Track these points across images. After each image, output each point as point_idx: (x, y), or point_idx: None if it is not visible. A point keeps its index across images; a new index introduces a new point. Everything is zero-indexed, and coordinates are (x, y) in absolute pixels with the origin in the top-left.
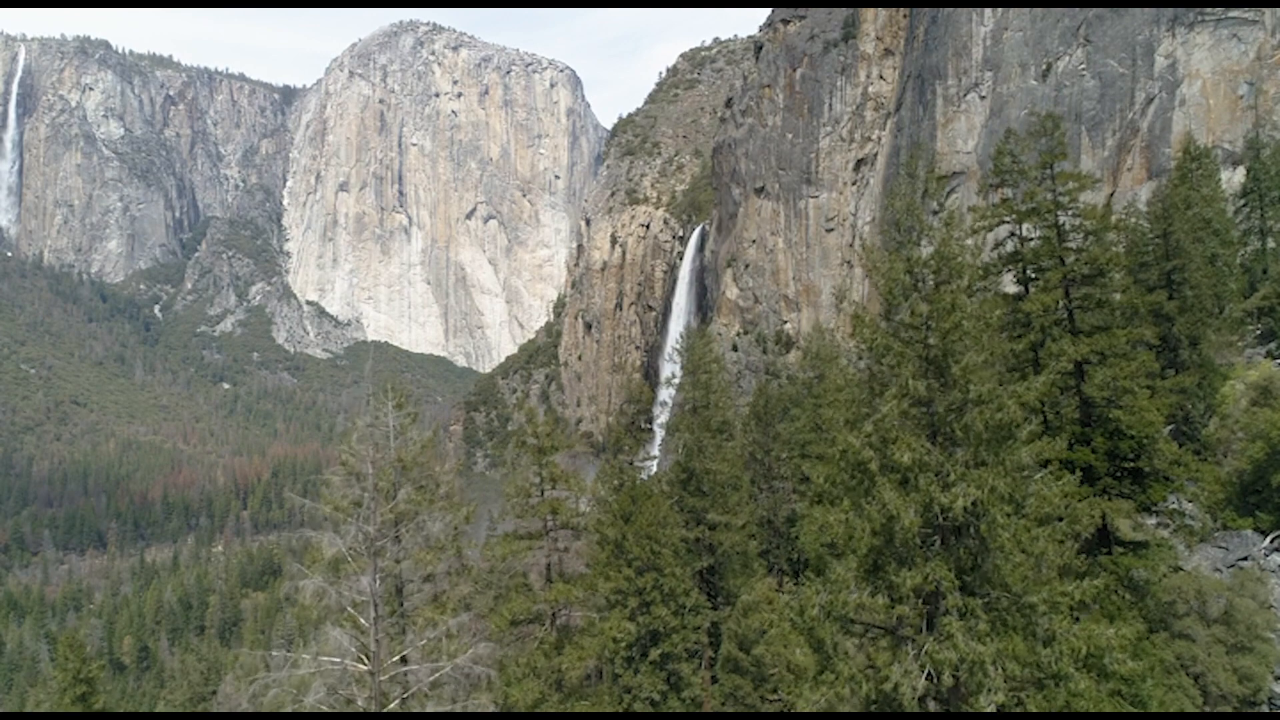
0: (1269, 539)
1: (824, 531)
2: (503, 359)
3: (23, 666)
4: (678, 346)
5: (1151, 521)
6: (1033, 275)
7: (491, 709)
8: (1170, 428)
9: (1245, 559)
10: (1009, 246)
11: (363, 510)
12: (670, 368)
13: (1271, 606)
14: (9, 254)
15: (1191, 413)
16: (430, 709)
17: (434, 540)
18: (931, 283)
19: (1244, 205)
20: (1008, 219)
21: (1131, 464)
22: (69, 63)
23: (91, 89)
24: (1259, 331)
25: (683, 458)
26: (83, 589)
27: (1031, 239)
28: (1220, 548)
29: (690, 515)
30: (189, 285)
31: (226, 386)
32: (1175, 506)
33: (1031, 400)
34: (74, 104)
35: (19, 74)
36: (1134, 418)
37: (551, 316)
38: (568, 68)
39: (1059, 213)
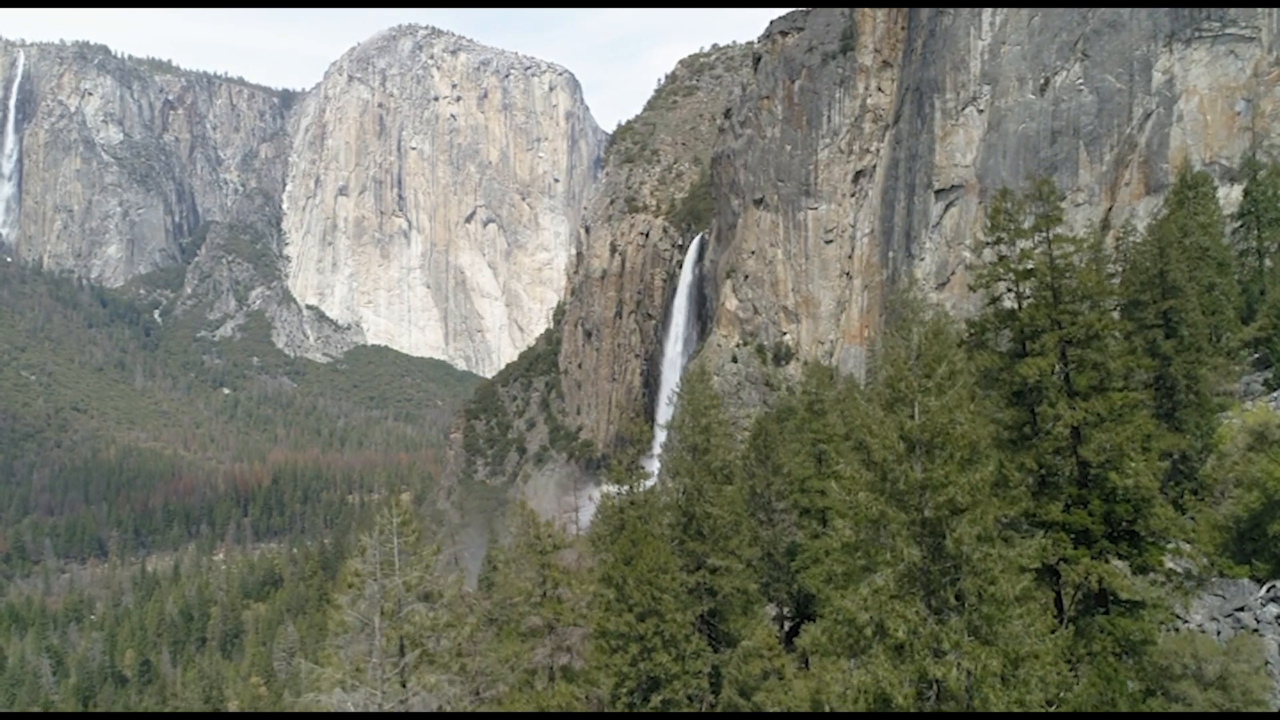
0: (1265, 588)
1: (822, 691)
2: (503, 362)
3: (25, 681)
4: (676, 390)
5: (1148, 578)
6: (1028, 335)
7: None
8: (1167, 463)
9: (1242, 609)
10: (1006, 302)
11: (369, 669)
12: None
13: (1268, 663)
14: (9, 260)
15: (1189, 451)
16: None
17: (439, 659)
18: (925, 450)
19: (1240, 226)
20: (1005, 277)
21: (1128, 526)
22: (68, 68)
23: (90, 94)
24: (1256, 356)
25: (683, 501)
26: (84, 599)
27: (1027, 297)
28: (1217, 595)
29: (691, 559)
30: (189, 290)
31: (227, 391)
32: (1172, 565)
33: (1025, 563)
34: (73, 109)
35: (18, 79)
36: (1130, 481)
37: (551, 323)
38: (566, 71)
39: (1055, 276)
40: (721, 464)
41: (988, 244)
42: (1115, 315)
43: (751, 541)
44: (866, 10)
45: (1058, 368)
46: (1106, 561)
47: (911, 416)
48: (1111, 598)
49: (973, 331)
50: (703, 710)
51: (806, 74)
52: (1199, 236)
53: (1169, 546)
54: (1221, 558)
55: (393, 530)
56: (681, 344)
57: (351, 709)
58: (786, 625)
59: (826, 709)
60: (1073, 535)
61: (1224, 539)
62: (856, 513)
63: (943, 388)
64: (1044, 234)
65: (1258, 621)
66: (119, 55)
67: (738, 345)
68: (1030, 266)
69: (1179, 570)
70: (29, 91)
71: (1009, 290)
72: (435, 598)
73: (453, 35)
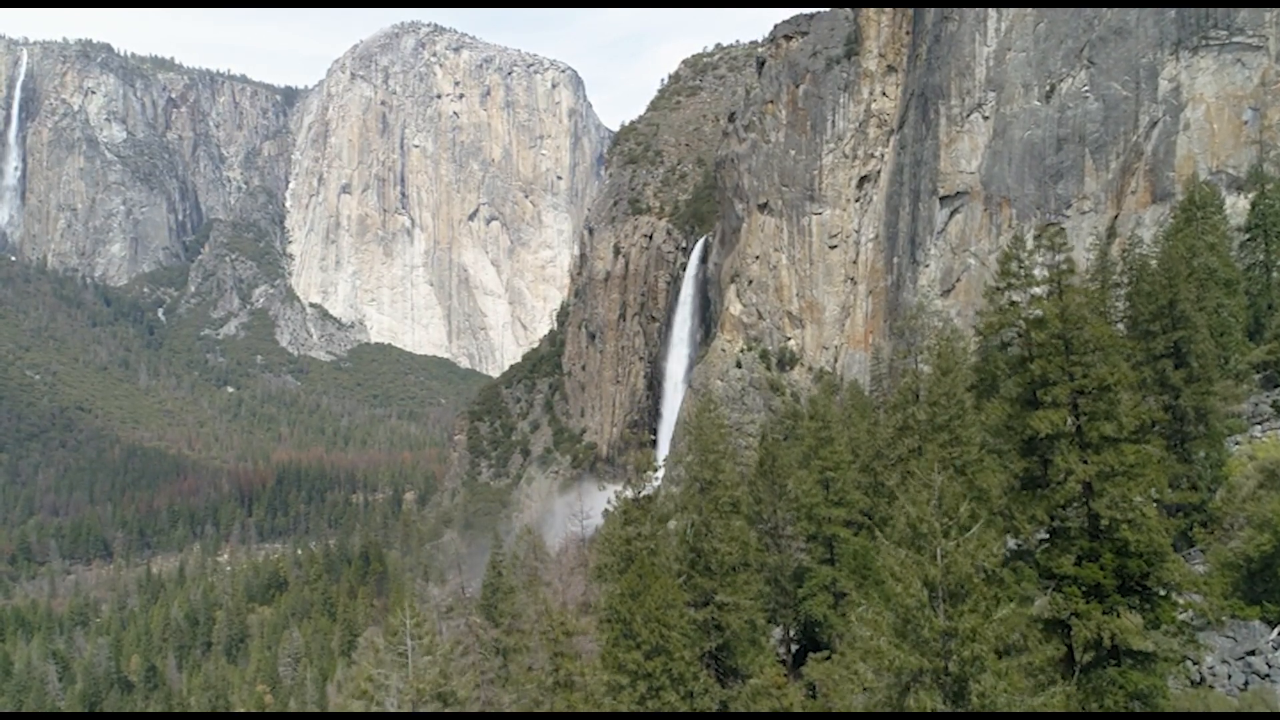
0: (1276, 631)
1: None
2: (506, 360)
3: (31, 688)
4: (687, 425)
5: (1161, 631)
6: (1039, 385)
7: None
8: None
9: (1253, 652)
10: (1015, 349)
11: None
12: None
13: None
14: (13, 258)
15: (1198, 483)
16: None
17: None
18: (948, 597)
19: (1249, 239)
20: (1016, 324)
21: (1140, 581)
22: (71, 66)
23: (94, 92)
24: (1263, 375)
25: (691, 538)
26: (89, 602)
27: (1039, 345)
28: (1228, 637)
29: (699, 594)
30: (192, 288)
31: (230, 390)
32: (1185, 618)
33: (1049, 709)
34: (76, 108)
35: (21, 78)
36: (1143, 537)
37: (554, 323)
38: (569, 68)
39: (1067, 328)
40: (730, 500)
41: (998, 289)
42: (1126, 335)
43: (759, 568)
44: (870, 15)
45: (1069, 420)
46: (1118, 616)
47: (934, 561)
48: (1124, 650)
49: (982, 378)
50: None
51: (810, 78)
52: (1207, 257)
53: (1181, 601)
54: (1231, 598)
55: (406, 631)
56: (685, 347)
57: None
58: (793, 647)
59: None
60: (1084, 589)
61: (1234, 578)
62: (879, 659)
63: (966, 527)
64: (1056, 285)
65: (1269, 666)
66: (122, 53)
67: (742, 350)
68: (1041, 316)
69: (1190, 622)
70: (32, 90)
71: (1019, 336)
72: (449, 697)
73: (455, 33)
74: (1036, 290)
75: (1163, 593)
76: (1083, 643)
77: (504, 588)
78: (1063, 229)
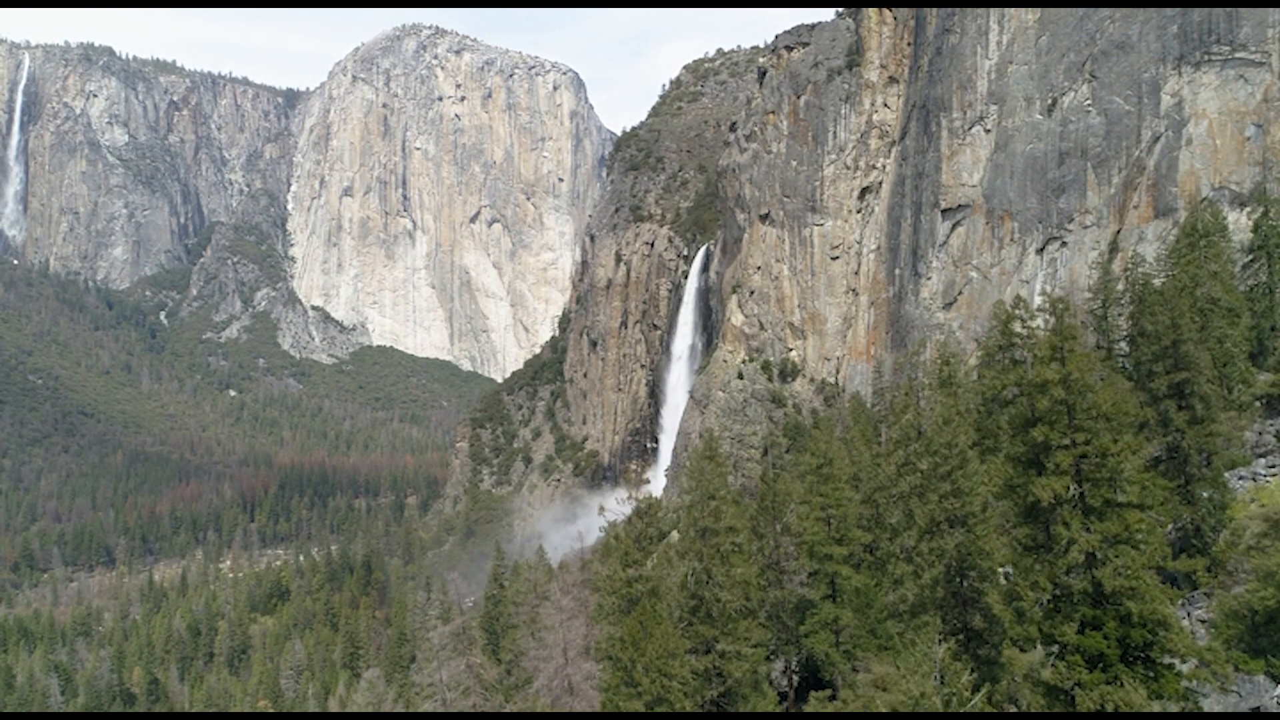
0: None
1: None
2: (508, 362)
3: (34, 701)
4: (687, 466)
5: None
6: (1042, 449)
7: None
8: (1179, 537)
9: (1258, 709)
10: (1017, 409)
11: None
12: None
13: None
14: (15, 262)
15: (1203, 526)
16: None
17: None
18: None
19: (1251, 260)
20: (1020, 385)
21: (1143, 652)
22: (73, 70)
23: (95, 96)
24: (1266, 402)
25: (693, 585)
26: (92, 611)
27: (1041, 409)
28: (1232, 692)
29: (700, 641)
30: (194, 291)
31: (233, 394)
32: (1191, 686)
33: None
34: (78, 111)
35: (23, 82)
36: (1146, 606)
37: (556, 329)
38: (571, 70)
39: (1071, 395)
40: (732, 545)
41: (999, 348)
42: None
43: (759, 605)
44: (872, 26)
45: (1072, 487)
46: (1121, 685)
47: None
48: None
49: (984, 436)
50: None
51: (812, 89)
52: (1210, 286)
53: (1185, 670)
54: (1235, 649)
55: None
56: (687, 355)
57: None
58: (794, 679)
59: None
60: (1086, 658)
61: (1239, 629)
62: None
63: (965, 700)
64: (1058, 351)
65: None
66: (124, 56)
67: (744, 361)
68: (1044, 380)
69: (1195, 689)
70: (34, 94)
71: (1021, 394)
72: None
73: (456, 35)
74: (1040, 353)
75: (1166, 661)
76: (1086, 711)
77: (505, 611)
78: (1065, 299)
